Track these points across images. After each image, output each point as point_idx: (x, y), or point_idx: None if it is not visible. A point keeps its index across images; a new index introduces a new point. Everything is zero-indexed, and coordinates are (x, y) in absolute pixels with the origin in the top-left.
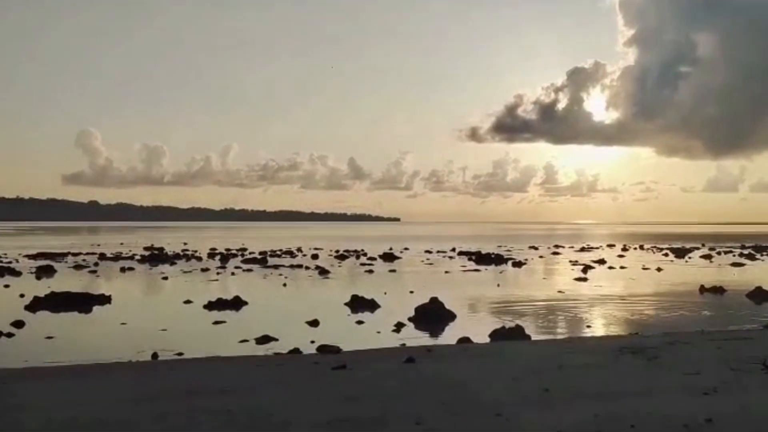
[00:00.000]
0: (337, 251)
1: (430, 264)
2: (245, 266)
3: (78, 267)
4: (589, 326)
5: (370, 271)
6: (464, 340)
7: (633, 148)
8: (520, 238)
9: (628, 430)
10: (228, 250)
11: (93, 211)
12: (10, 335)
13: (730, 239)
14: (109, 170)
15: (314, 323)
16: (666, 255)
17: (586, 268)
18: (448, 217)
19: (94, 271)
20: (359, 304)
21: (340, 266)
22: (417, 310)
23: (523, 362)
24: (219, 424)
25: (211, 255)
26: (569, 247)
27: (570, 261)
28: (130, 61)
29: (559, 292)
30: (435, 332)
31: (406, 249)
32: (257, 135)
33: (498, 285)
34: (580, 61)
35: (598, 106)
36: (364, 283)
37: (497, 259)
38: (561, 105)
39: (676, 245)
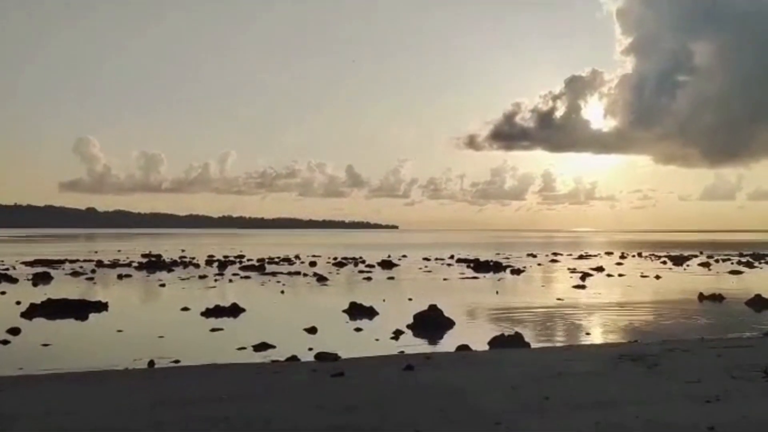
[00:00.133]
0: (335, 258)
1: (429, 271)
2: (243, 273)
3: (75, 274)
4: (588, 333)
5: (369, 279)
6: (463, 348)
7: (630, 156)
8: (518, 245)
9: None
10: (226, 257)
11: (91, 218)
12: (5, 342)
13: (728, 247)
14: (106, 177)
15: (312, 330)
16: (664, 263)
17: (585, 276)
18: (446, 225)
19: (91, 278)
20: (357, 312)
21: (338, 273)
22: (416, 317)
23: (523, 370)
24: None
25: (209, 262)
26: (567, 255)
27: (568, 268)
28: (128, 68)
29: (558, 299)
30: (434, 340)
31: (405, 256)
32: (255, 142)
33: (497, 292)
34: (578, 70)
35: (596, 114)
36: (363, 291)
37: (495, 267)
38: (559, 113)
39: (674, 253)
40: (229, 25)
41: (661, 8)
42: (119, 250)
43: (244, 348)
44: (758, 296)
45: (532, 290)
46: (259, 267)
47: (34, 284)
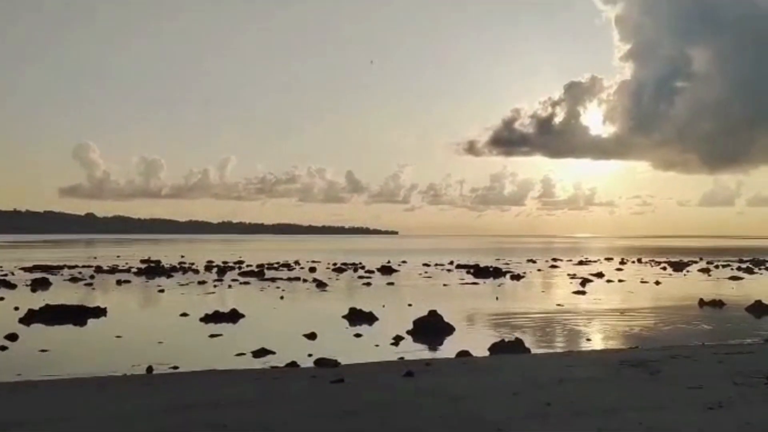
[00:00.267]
0: (335, 264)
1: (428, 277)
2: (242, 279)
3: (74, 280)
4: (588, 339)
5: (368, 284)
6: (463, 354)
7: (629, 162)
8: (517, 251)
9: None
10: (225, 262)
11: (90, 224)
12: (3, 348)
13: (728, 253)
14: (106, 183)
15: (312, 336)
16: (664, 268)
17: (585, 282)
18: (445, 231)
19: (90, 284)
20: (357, 317)
21: (337, 279)
22: (415, 323)
23: (524, 376)
24: None
25: (208, 268)
26: (567, 261)
27: (568, 274)
28: (127, 74)
29: (558, 305)
30: (434, 345)
31: (404, 262)
32: (255, 148)
33: (497, 298)
34: (577, 76)
35: (595, 120)
36: (362, 296)
37: (495, 273)
38: (558, 119)
39: (674, 259)
40: (229, 31)
41: (659, 15)
42: (118, 256)
43: (243, 354)
44: (758, 302)
45: (532, 296)
46: (259, 273)
47: (33, 290)
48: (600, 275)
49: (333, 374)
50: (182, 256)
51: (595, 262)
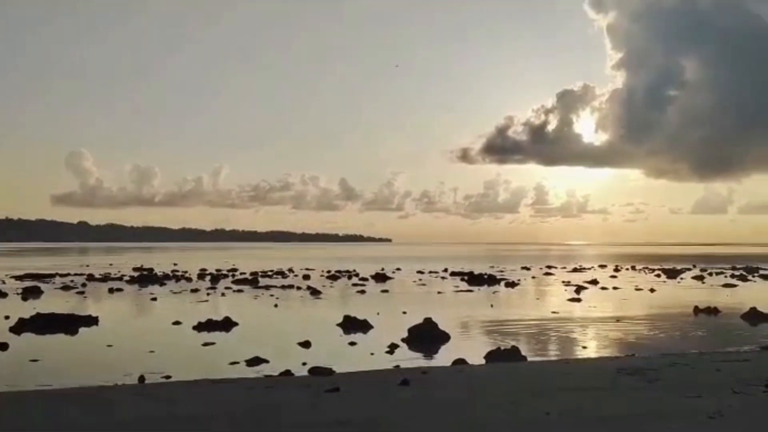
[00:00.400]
0: (329, 272)
1: (423, 284)
2: (236, 287)
3: (65, 288)
4: (584, 347)
5: (362, 292)
6: (459, 362)
7: (622, 169)
8: (511, 258)
9: None
10: (218, 270)
11: (83, 232)
12: None
13: (721, 260)
14: (99, 191)
15: (306, 344)
16: (658, 276)
17: (579, 289)
18: (439, 238)
19: (82, 292)
20: (352, 325)
21: (331, 287)
22: (411, 330)
23: (521, 384)
24: None
25: (202, 275)
26: (561, 268)
27: (563, 282)
28: (120, 80)
29: (553, 312)
30: (429, 353)
31: (398, 269)
32: (249, 156)
33: (491, 306)
34: (570, 84)
35: (588, 128)
36: (357, 304)
37: (490, 280)
38: (551, 127)
39: (668, 266)
40: (222, 39)
41: (651, 24)
42: (111, 264)
43: (236, 363)
44: (753, 309)
45: (527, 303)
46: (252, 280)
47: (24, 298)
48: (594, 282)
49: (328, 383)
50: (175, 264)
51: (589, 269)
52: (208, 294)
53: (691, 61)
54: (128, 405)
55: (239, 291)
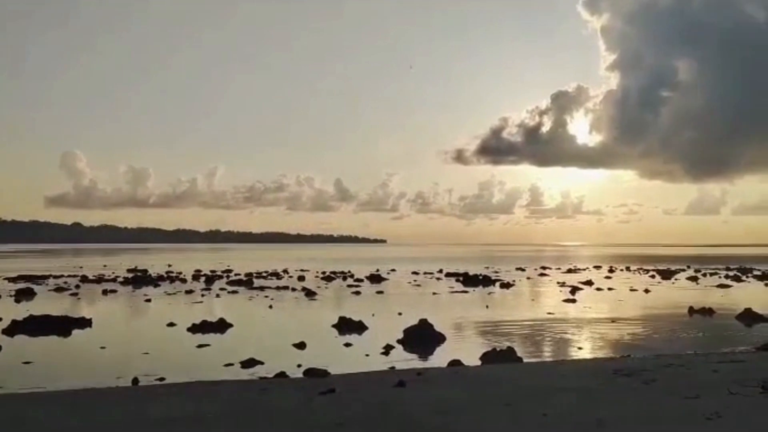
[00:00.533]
0: (324, 273)
1: (418, 285)
2: (230, 288)
3: (59, 290)
4: (580, 348)
5: (357, 293)
6: (455, 363)
7: (616, 170)
8: (506, 259)
9: None
10: (213, 271)
11: (77, 233)
12: None
13: (714, 261)
14: (93, 192)
15: (301, 346)
16: (653, 276)
17: (574, 290)
18: (434, 239)
19: (75, 294)
20: (347, 326)
21: (326, 288)
22: (406, 332)
23: (517, 386)
24: None
25: (196, 277)
26: (556, 269)
27: (558, 282)
28: (114, 81)
29: (549, 313)
30: (425, 355)
31: (393, 270)
32: (243, 157)
33: (487, 306)
34: (564, 85)
35: (582, 129)
36: (352, 305)
37: (485, 281)
38: (545, 128)
39: (662, 267)
40: (217, 41)
41: (645, 25)
42: (105, 265)
43: (231, 364)
44: (748, 310)
45: (522, 304)
46: (247, 282)
47: (17, 300)
48: (589, 283)
49: (323, 385)
50: (170, 265)
51: (584, 270)
52: (202, 295)
53: (685, 63)
54: (122, 407)
55: (234, 292)
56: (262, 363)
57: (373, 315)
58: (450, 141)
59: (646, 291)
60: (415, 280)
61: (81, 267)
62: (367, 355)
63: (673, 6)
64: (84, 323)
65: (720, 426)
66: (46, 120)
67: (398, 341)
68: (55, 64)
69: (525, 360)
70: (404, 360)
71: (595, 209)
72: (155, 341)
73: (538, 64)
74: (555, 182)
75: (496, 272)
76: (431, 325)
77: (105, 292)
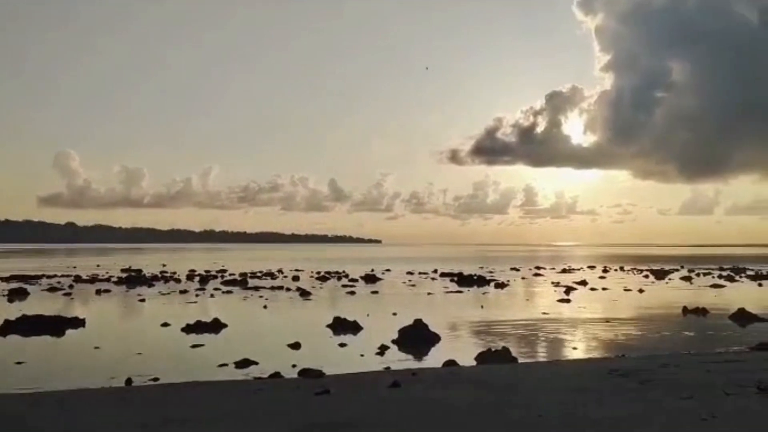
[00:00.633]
0: (319, 273)
1: (413, 285)
2: (225, 288)
3: (52, 289)
4: (575, 348)
5: (352, 293)
6: (450, 363)
7: (610, 171)
8: (501, 259)
9: None
10: (207, 271)
11: (71, 233)
12: None
13: (708, 261)
14: (87, 191)
15: (296, 346)
16: (646, 276)
17: (569, 290)
18: (428, 239)
19: (69, 294)
20: (342, 327)
21: (321, 288)
22: (401, 332)
23: (512, 386)
24: None
25: (190, 277)
26: (551, 269)
27: (552, 282)
28: (108, 81)
29: (543, 313)
30: (420, 355)
31: (388, 270)
32: (238, 157)
33: (481, 307)
34: (558, 86)
35: (576, 129)
36: (346, 305)
37: (479, 281)
38: (540, 128)
39: (656, 267)
40: (210, 39)
41: (639, 26)
42: (98, 265)
43: (225, 365)
44: (742, 310)
45: (517, 304)
46: (242, 281)
47: (10, 300)
48: (584, 283)
49: (318, 385)
50: (164, 265)
51: (578, 270)
52: (196, 295)
53: (679, 64)
54: (115, 408)
55: (228, 292)
56: (256, 363)
57: (368, 315)
58: (444, 141)
59: (640, 291)
60: (409, 280)
61: (74, 267)
62: (362, 356)
63: (667, 7)
64: (77, 323)
65: (716, 427)
66: (39, 120)
67: (393, 341)
68: (50, 65)
69: (520, 360)
70: (399, 360)
71: (590, 209)
72: (149, 341)
73: (533, 65)
74: (549, 182)
75: (491, 272)
76: (426, 326)
77: (99, 292)
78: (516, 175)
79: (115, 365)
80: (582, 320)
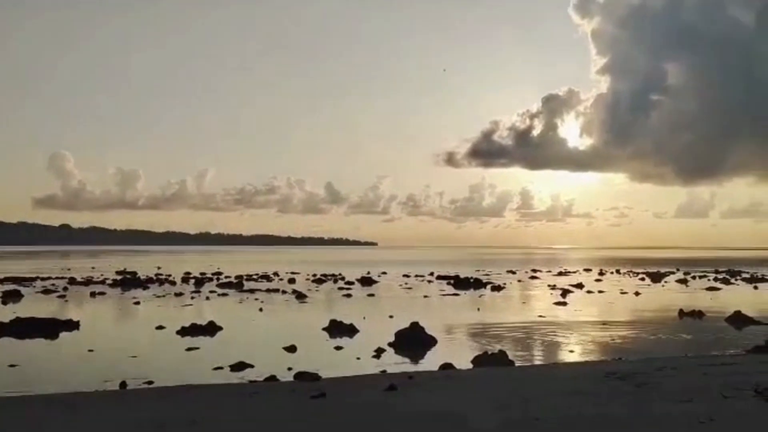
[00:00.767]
0: (315, 275)
1: (409, 288)
2: (220, 291)
3: (46, 292)
4: (571, 351)
5: (348, 296)
6: (447, 366)
7: (606, 173)
8: (497, 262)
9: None
10: (203, 274)
11: (65, 235)
12: None
13: (704, 264)
14: (81, 193)
15: (291, 349)
16: (642, 279)
17: (565, 293)
18: (425, 242)
19: (63, 296)
20: (338, 329)
21: (317, 290)
22: (397, 335)
23: (509, 389)
24: None
25: (186, 279)
26: (547, 272)
27: (548, 285)
28: (103, 83)
29: (540, 316)
30: (416, 358)
31: (384, 273)
32: (234, 159)
33: (478, 309)
34: (555, 88)
35: (572, 132)
36: (343, 308)
37: (476, 284)
38: (536, 131)
39: (652, 270)
40: (206, 42)
41: (635, 29)
42: (93, 267)
43: (221, 368)
44: (738, 313)
45: (514, 307)
46: (237, 284)
47: (4, 302)
48: (580, 286)
49: (314, 388)
50: (159, 268)
51: (574, 273)
52: (192, 298)
53: (675, 67)
54: (109, 411)
55: (224, 295)
56: (252, 366)
57: (364, 318)
58: (441, 144)
59: (636, 294)
60: (406, 283)
61: (69, 269)
62: (358, 359)
63: (664, 10)
64: (72, 326)
65: (713, 430)
66: (34, 121)
67: (389, 344)
68: (44, 64)
69: (516, 363)
70: (395, 363)
71: (586, 212)
72: (144, 344)
73: (529, 68)
74: (545, 185)
75: (487, 275)
76: (422, 328)
77: (93, 294)
78: (512, 178)
79: (110, 368)
80: (578, 323)
